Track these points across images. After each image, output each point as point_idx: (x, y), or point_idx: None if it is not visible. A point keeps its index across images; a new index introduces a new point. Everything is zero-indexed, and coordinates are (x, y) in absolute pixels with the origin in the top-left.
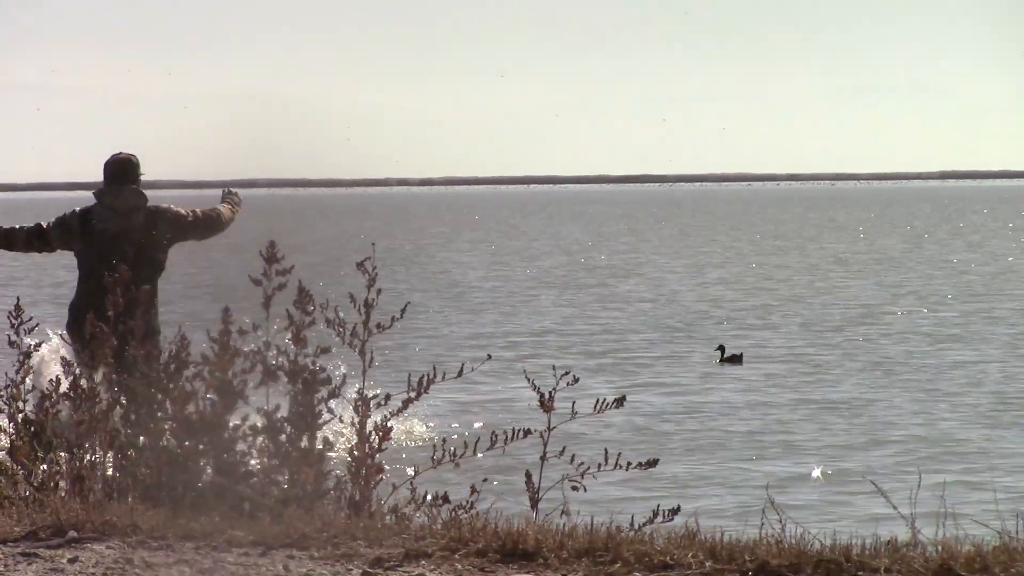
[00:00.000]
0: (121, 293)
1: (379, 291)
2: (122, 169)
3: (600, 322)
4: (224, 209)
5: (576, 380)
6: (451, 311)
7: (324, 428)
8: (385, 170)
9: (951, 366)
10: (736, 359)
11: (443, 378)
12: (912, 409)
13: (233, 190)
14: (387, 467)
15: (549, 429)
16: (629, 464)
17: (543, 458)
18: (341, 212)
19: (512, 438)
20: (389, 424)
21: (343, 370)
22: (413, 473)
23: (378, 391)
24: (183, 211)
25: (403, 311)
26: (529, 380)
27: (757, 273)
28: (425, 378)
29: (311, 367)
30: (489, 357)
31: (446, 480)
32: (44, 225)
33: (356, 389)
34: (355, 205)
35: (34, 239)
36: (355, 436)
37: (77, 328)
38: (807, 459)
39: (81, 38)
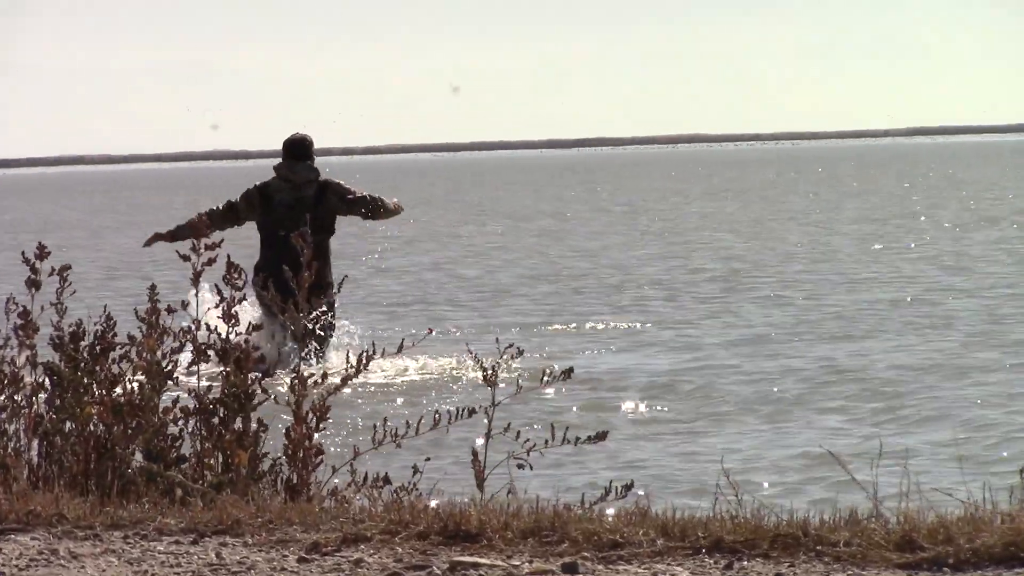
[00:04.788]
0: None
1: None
2: (298, 147)
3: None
4: (391, 203)
5: (520, 352)
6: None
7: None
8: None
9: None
10: None
11: (383, 354)
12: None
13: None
14: (326, 449)
15: (493, 405)
16: (578, 439)
17: (488, 436)
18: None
19: (456, 417)
20: (327, 404)
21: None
22: (353, 455)
23: (315, 369)
24: (349, 187)
25: (340, 284)
26: (472, 354)
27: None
28: (364, 354)
29: (243, 345)
30: (430, 331)
31: (390, 461)
32: (232, 201)
33: (291, 368)
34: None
35: (228, 216)
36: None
37: (262, 285)
38: (761, 424)
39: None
